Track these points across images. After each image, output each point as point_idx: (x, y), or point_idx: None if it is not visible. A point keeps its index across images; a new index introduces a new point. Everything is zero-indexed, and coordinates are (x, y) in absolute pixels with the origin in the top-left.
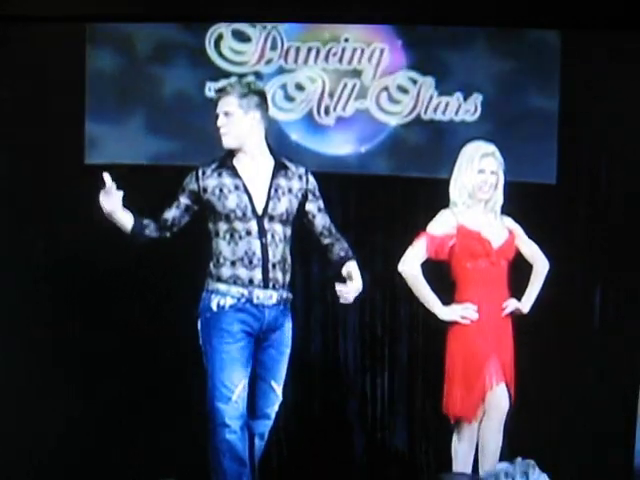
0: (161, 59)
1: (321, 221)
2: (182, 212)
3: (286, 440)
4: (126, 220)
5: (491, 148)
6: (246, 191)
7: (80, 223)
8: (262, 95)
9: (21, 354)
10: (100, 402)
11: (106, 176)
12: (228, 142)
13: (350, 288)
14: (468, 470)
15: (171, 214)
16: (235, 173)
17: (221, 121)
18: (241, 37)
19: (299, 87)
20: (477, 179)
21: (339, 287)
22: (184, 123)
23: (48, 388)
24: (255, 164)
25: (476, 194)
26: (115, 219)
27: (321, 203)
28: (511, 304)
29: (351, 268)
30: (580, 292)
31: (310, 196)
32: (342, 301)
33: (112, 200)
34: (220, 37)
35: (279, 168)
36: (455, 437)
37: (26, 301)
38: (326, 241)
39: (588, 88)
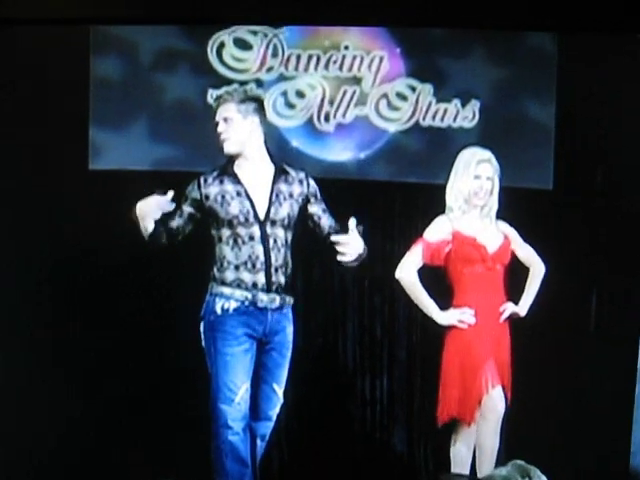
0: (164, 66)
1: (327, 221)
2: (186, 220)
3: (286, 441)
4: (149, 225)
5: (487, 154)
6: (248, 197)
7: (84, 228)
8: (259, 100)
9: (21, 355)
10: (101, 403)
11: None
12: (229, 147)
13: (349, 239)
14: (466, 472)
15: (175, 223)
16: (237, 180)
17: (221, 127)
18: (243, 45)
19: (299, 94)
20: (473, 185)
21: (336, 238)
22: (187, 130)
23: (49, 389)
24: (256, 170)
25: (472, 200)
26: (140, 223)
27: (324, 205)
28: (508, 308)
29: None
30: (576, 296)
31: (312, 199)
32: (340, 258)
33: (153, 208)
34: (222, 45)
35: (280, 173)
36: (453, 439)
37: (28, 303)
38: (334, 238)
39: (585, 94)
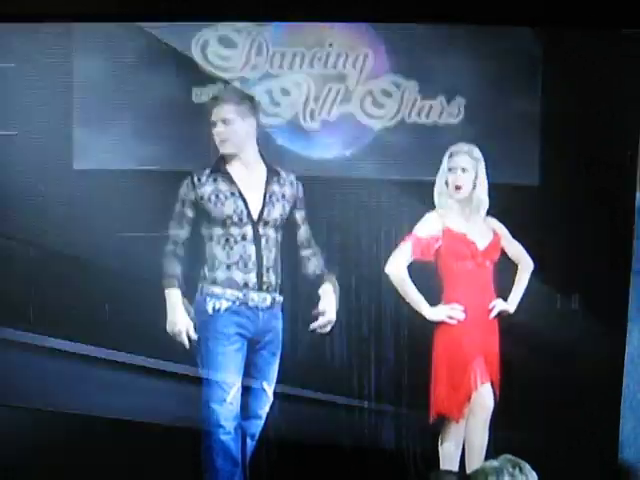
0: (148, 65)
1: (304, 233)
2: (191, 225)
3: (275, 439)
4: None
5: (465, 147)
6: (242, 197)
7: (69, 229)
8: (254, 101)
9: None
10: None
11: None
12: (227, 148)
13: (324, 322)
14: (455, 468)
15: (185, 232)
16: (230, 179)
17: (220, 128)
18: (227, 43)
19: (284, 92)
20: (448, 178)
21: (313, 325)
22: (171, 128)
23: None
24: (248, 170)
25: (453, 194)
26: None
27: (304, 213)
28: (498, 305)
29: (325, 294)
30: (564, 292)
31: (299, 204)
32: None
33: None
34: (206, 43)
35: (272, 175)
36: (441, 436)
37: (10, 305)
38: (304, 253)
39: (570, 90)
